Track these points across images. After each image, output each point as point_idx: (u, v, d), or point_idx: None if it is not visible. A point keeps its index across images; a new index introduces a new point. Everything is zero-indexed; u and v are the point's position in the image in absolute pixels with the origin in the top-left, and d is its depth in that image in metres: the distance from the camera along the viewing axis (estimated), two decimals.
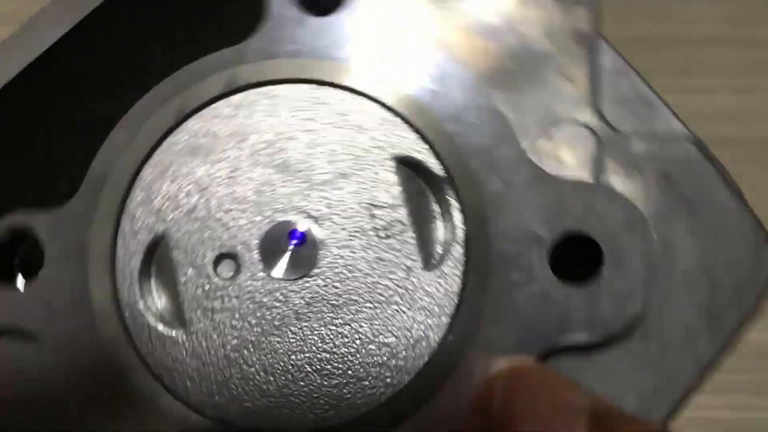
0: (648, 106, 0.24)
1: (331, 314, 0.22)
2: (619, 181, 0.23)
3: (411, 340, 0.22)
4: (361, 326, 0.22)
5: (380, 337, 0.22)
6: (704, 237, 0.23)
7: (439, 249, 0.23)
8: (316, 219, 0.23)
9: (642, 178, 0.24)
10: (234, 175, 0.23)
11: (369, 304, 0.22)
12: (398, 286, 0.22)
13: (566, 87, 0.24)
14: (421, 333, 0.22)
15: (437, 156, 0.23)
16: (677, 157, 0.24)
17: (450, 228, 0.23)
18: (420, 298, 0.22)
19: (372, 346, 0.22)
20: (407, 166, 0.23)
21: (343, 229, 0.22)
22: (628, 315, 0.22)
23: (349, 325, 0.22)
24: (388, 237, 0.22)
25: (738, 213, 0.23)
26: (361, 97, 0.23)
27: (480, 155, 0.23)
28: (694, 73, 0.44)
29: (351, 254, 0.22)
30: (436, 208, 0.23)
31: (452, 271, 0.22)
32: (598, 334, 0.22)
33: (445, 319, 0.22)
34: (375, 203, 0.23)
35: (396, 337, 0.22)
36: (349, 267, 0.22)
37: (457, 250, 0.22)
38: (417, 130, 0.23)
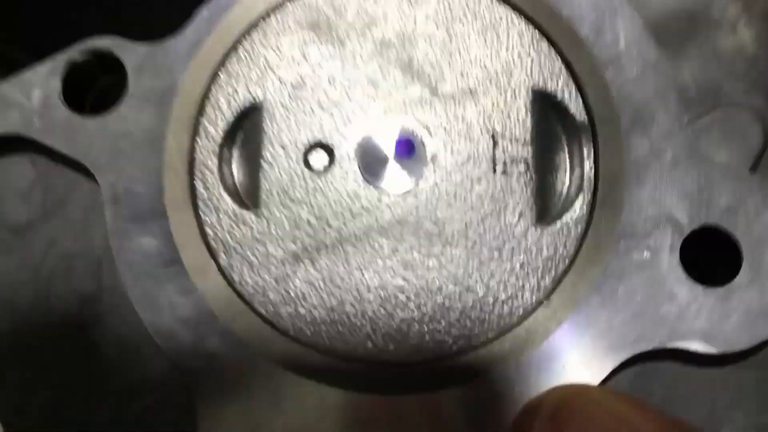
0: None
1: (420, 240, 0.19)
2: None
3: (502, 294, 0.19)
4: (450, 263, 0.19)
5: (467, 281, 0.19)
6: None
7: (559, 203, 0.20)
8: (430, 132, 0.20)
9: None
10: (352, 62, 0.20)
11: (464, 242, 0.19)
12: (503, 231, 0.19)
13: (741, 65, 0.21)
14: (515, 291, 0.19)
15: (584, 100, 0.20)
16: None
17: (577, 183, 0.20)
18: (524, 252, 0.19)
19: (455, 289, 0.19)
20: (546, 102, 0.20)
21: (459, 151, 0.20)
22: (758, 336, 0.18)
23: (436, 258, 0.19)
24: (505, 174, 0.19)
25: None
26: (515, 13, 0.20)
27: (633, 113, 0.19)
28: None
29: (460, 181, 0.19)
30: (566, 157, 0.20)
31: (568, 231, 0.19)
32: (716, 347, 0.19)
33: (546, 283, 0.19)
34: (501, 132, 0.20)
35: (486, 286, 0.19)
36: (454, 194, 0.19)
37: (580, 210, 0.19)
38: (568, 65, 0.20)
